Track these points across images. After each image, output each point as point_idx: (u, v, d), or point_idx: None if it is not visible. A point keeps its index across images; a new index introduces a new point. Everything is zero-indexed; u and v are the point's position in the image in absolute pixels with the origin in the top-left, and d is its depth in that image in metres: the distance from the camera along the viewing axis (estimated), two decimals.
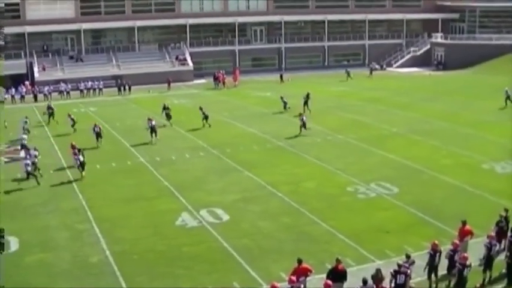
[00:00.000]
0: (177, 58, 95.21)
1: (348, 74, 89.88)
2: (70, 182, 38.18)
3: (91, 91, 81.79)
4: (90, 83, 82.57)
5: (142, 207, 32.63)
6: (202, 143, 47.34)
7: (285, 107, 60.01)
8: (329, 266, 21.98)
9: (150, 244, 27.25)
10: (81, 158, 39.28)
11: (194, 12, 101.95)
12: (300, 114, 50.57)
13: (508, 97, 58.16)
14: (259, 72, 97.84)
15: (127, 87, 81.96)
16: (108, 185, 37.10)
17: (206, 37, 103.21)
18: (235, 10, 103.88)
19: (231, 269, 24.44)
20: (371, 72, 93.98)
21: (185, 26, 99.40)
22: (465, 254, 21.73)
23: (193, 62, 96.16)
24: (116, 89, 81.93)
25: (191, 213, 30.98)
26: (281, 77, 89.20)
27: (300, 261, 21.38)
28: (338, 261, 21.34)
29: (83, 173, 38.89)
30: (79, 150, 40.33)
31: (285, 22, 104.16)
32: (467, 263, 21.07)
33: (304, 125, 49.08)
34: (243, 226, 29.00)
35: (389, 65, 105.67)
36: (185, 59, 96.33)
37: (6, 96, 78.86)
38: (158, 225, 29.62)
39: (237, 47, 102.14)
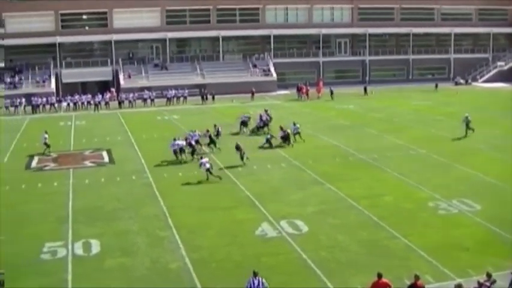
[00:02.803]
0: (255, 66, 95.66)
1: (436, 86, 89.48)
2: (152, 188, 38.77)
3: (174, 99, 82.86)
4: (174, 91, 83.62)
5: (221, 216, 32.78)
6: (284, 154, 47.43)
7: None
8: (407, 282, 21.73)
9: (228, 253, 27.34)
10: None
11: (278, 23, 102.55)
12: None
13: None
14: (343, 85, 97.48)
15: (210, 96, 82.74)
16: (188, 193, 37.46)
17: (290, 48, 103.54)
18: (319, 22, 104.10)
19: (308, 281, 24.31)
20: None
21: (269, 36, 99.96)
22: None
23: (276, 73, 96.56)
24: (199, 97, 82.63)
25: (271, 223, 30.97)
26: (365, 89, 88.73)
27: (379, 276, 21.19)
28: (417, 277, 21.09)
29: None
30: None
31: (370, 34, 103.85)
32: None
33: None
34: (321, 238, 28.88)
35: (475, 79, 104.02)
36: (269, 70, 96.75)
37: (94, 100, 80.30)
38: (237, 234, 29.71)
39: (320, 59, 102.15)
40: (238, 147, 44.93)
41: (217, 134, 52.05)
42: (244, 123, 57.88)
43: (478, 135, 52.47)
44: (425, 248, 27.04)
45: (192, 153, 46.50)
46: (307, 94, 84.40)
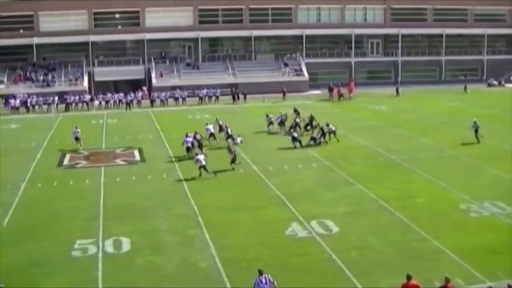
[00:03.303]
0: (287, 66, 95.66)
1: (465, 88, 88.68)
2: (182, 186, 38.89)
3: (206, 98, 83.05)
4: (205, 90, 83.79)
5: (252, 215, 32.82)
6: (315, 154, 47.36)
7: None
8: (437, 284, 21.62)
9: (258, 252, 27.32)
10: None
11: (311, 23, 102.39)
12: None
13: None
14: (375, 85, 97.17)
15: (241, 96, 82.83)
16: (219, 192, 37.48)
17: (322, 48, 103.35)
18: (352, 22, 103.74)
19: (337, 282, 24.22)
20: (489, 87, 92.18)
21: (301, 36, 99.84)
22: None
23: (308, 73, 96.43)
24: (231, 97, 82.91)
25: (301, 223, 30.91)
26: (397, 90, 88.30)
27: (409, 278, 21.04)
28: (447, 280, 20.93)
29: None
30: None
31: (402, 35, 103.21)
32: None
33: None
34: (351, 239, 28.77)
35: (508, 81, 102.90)
36: (301, 70, 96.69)
37: (126, 99, 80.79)
38: (267, 234, 29.67)
39: (352, 59, 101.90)
40: (230, 150, 44.57)
41: (228, 135, 52.07)
42: (282, 123, 58.00)
43: (510, 137, 51.98)
44: (456, 251, 26.80)
45: (187, 150, 47.08)
46: (339, 94, 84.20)
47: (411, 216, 31.82)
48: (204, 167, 40.39)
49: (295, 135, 51.38)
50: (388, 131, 57.28)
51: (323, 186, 38.19)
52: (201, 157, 41.27)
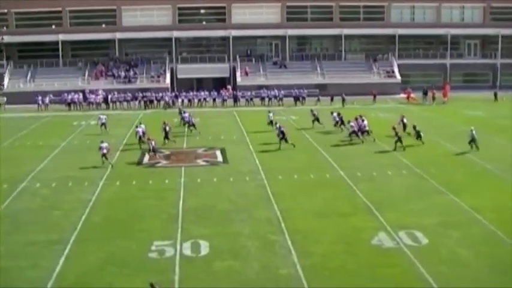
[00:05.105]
0: (378, 66, 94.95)
1: None
2: (266, 190, 38.96)
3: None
4: (296, 90, 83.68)
5: (336, 222, 32.65)
6: (405, 161, 46.84)
7: None
8: None
9: (342, 261, 27.12)
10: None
11: (404, 22, 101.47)
12: None
13: None
14: (471, 89, 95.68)
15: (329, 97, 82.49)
16: (303, 197, 37.39)
17: (416, 49, 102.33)
18: (448, 21, 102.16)
19: None
20: None
21: (394, 36, 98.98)
22: None
23: (400, 75, 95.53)
24: (318, 97, 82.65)
25: (389, 233, 30.61)
26: (495, 95, 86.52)
27: None
28: None
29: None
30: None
31: (502, 36, 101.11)
32: None
33: None
34: (441, 252, 28.31)
35: None
36: (392, 71, 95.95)
37: (210, 97, 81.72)
38: (352, 242, 29.49)
39: (448, 61, 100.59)
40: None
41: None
42: (341, 122, 58.58)
43: None
44: None
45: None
46: (433, 98, 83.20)
47: (507, 229, 31.15)
48: (104, 155, 45.19)
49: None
50: (483, 138, 55.95)
51: (413, 195, 37.76)
52: (104, 145, 45.46)
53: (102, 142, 46.55)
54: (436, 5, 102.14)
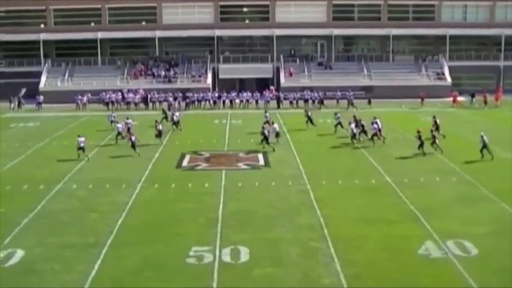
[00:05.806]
0: (427, 68, 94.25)
1: None
2: (308, 195, 38.78)
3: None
4: (339, 92, 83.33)
5: (381, 229, 32.38)
6: (454, 167, 46.37)
7: None
8: None
9: (387, 270, 26.86)
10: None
11: (455, 22, 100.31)
12: None
13: None
14: None
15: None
16: (348, 203, 37.21)
17: (467, 50, 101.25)
18: (502, 21, 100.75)
19: None
20: None
21: (445, 36, 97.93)
22: None
23: (451, 77, 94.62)
24: (364, 100, 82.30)
25: (436, 242, 30.22)
26: None
27: None
28: None
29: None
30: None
31: None
32: None
33: None
34: (492, 263, 27.94)
35: None
36: (443, 73, 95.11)
37: (253, 98, 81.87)
38: (397, 251, 29.24)
39: (502, 63, 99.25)
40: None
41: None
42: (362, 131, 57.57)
43: None
44: None
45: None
46: (485, 102, 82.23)
47: None
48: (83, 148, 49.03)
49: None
50: None
51: (462, 203, 37.31)
52: (81, 139, 49.22)
53: (79, 136, 49.59)
54: (490, 4, 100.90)
